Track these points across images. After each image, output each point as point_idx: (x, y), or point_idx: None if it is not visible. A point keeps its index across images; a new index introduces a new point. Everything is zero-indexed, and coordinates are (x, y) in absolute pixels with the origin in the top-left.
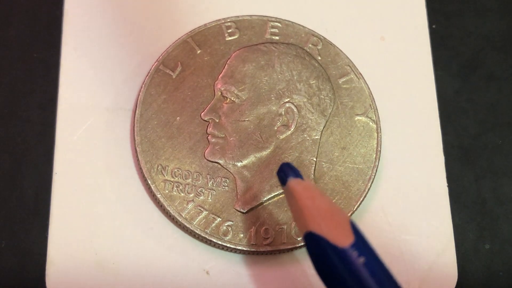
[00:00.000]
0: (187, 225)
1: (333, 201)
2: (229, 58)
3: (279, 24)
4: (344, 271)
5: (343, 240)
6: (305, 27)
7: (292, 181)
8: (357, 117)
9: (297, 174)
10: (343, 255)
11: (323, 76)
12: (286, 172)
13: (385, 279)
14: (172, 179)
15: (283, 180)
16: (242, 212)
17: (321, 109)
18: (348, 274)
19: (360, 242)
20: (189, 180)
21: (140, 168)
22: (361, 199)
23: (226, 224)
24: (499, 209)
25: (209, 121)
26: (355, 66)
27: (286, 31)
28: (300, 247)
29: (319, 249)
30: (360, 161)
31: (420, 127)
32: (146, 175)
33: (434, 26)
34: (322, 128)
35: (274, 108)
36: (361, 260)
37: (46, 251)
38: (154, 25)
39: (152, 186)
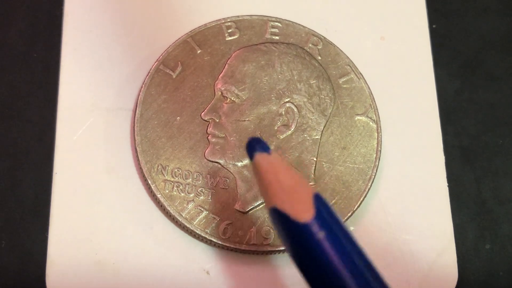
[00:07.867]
0: (187, 225)
1: (334, 199)
2: (229, 58)
3: (279, 24)
4: (305, 245)
5: (304, 215)
6: (305, 27)
7: (258, 156)
8: (357, 117)
9: (264, 148)
10: (304, 229)
11: (323, 76)
12: (253, 147)
13: (347, 252)
14: (172, 179)
15: (251, 156)
16: (243, 212)
17: (321, 109)
18: (309, 248)
19: (322, 217)
20: (189, 180)
21: (140, 168)
22: (362, 199)
23: (226, 224)
24: (499, 209)
25: (209, 121)
26: (355, 66)
27: (286, 31)
28: None
29: (282, 225)
30: (360, 161)
31: (420, 127)
32: (146, 175)
33: (434, 26)
34: (322, 128)
35: (274, 108)
36: (321, 234)
37: (46, 251)
38: (154, 25)
39: (152, 186)
